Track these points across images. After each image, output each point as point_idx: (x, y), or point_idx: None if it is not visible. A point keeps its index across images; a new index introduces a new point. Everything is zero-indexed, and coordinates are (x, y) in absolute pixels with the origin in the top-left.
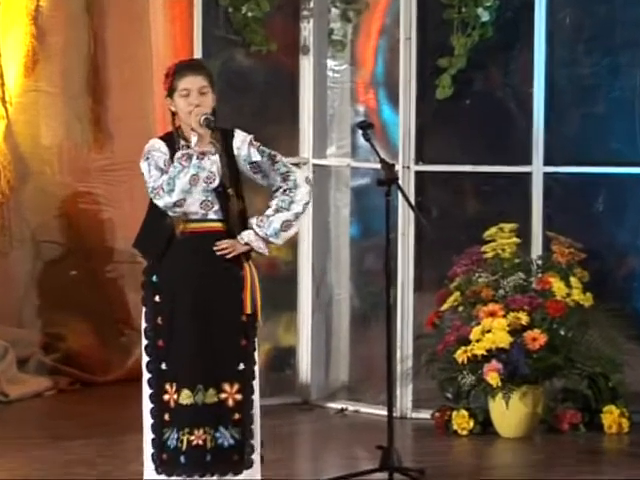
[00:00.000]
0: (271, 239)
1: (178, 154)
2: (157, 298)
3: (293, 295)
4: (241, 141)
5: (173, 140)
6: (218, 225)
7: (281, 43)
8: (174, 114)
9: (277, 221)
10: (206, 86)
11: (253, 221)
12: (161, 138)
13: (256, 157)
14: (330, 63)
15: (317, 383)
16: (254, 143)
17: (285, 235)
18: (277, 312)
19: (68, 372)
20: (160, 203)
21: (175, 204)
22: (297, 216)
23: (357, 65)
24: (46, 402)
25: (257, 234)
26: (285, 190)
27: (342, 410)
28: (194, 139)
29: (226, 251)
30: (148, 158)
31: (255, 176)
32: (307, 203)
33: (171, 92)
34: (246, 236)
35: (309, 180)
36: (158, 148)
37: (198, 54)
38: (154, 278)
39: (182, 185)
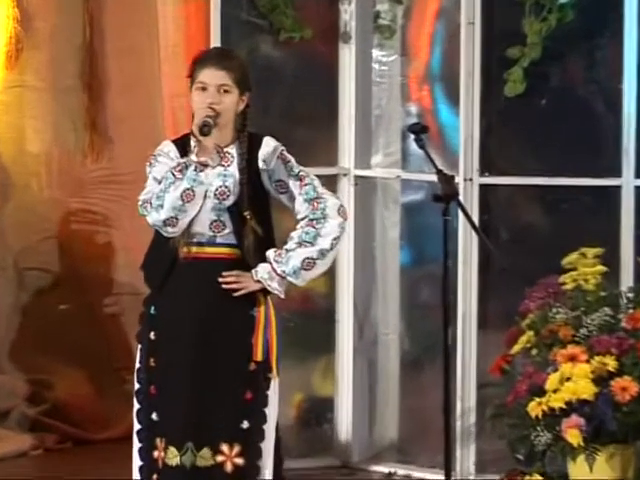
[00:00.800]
0: (289, 278)
1: (174, 163)
2: (152, 335)
3: (331, 335)
4: (268, 152)
5: (187, 144)
6: (228, 252)
7: (317, 29)
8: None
9: (298, 257)
10: (228, 85)
11: (271, 254)
12: (174, 141)
13: (283, 175)
14: (376, 53)
15: (360, 442)
16: (284, 156)
17: (306, 275)
18: (312, 355)
19: (57, 428)
20: (148, 220)
21: (165, 223)
22: (323, 254)
23: (409, 55)
24: (31, 463)
25: (274, 270)
26: (312, 220)
27: (390, 475)
28: (193, 145)
29: (234, 286)
30: (152, 164)
31: (281, 197)
32: (337, 239)
33: (191, 83)
34: (260, 272)
35: (343, 211)
36: (167, 153)
37: (215, 43)
38: (152, 310)
39: (172, 201)
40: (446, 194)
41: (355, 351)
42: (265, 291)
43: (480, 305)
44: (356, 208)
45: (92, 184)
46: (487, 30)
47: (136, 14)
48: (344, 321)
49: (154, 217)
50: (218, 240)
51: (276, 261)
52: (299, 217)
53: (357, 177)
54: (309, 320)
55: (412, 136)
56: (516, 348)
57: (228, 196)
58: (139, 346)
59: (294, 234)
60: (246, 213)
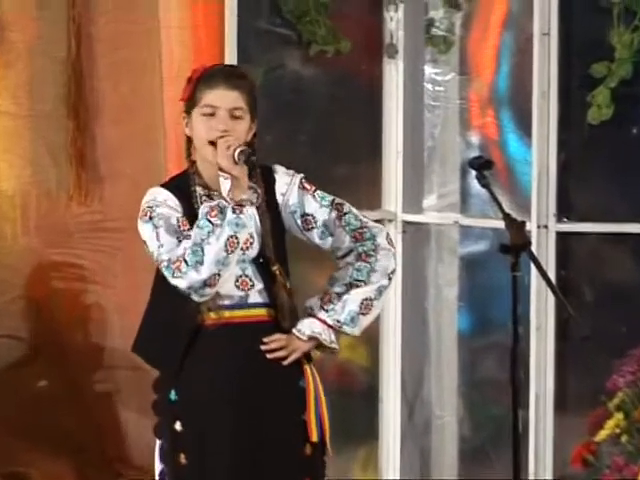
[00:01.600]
0: (345, 328)
1: (204, 207)
2: (178, 426)
3: (373, 417)
4: (286, 184)
5: (186, 187)
6: (263, 313)
7: (356, 40)
8: (190, 141)
9: (354, 300)
10: (242, 108)
11: (315, 303)
12: (166, 186)
13: (311, 206)
14: (429, 70)
15: None
16: (307, 186)
17: (364, 321)
18: (350, 442)
19: None
20: (182, 284)
21: (206, 283)
22: (381, 292)
23: (469, 73)
24: None
25: (323, 322)
26: (360, 255)
27: None
28: (225, 184)
29: (281, 353)
30: (152, 218)
31: (309, 234)
32: (393, 272)
33: (190, 106)
34: (308, 327)
35: (391, 240)
36: (164, 202)
37: (231, 58)
38: (172, 396)
39: (215, 254)
40: (515, 244)
41: (403, 437)
42: (308, 357)
43: (557, 382)
44: (404, 261)
45: (78, 232)
46: (566, 42)
47: (133, 23)
48: (389, 400)
49: (192, 278)
50: (250, 300)
51: (325, 310)
52: (340, 254)
53: (406, 223)
54: (347, 399)
55: (473, 173)
56: (602, 434)
57: (252, 244)
58: (157, 442)
59: (340, 274)
60: (275, 267)
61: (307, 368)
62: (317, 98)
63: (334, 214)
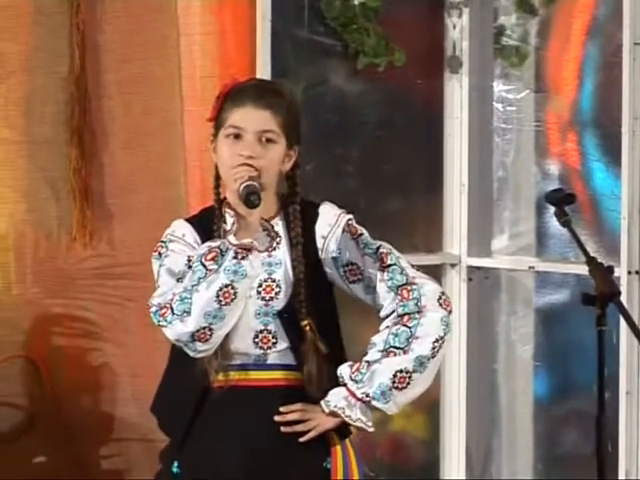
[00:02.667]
0: (376, 403)
1: (202, 248)
2: None
3: None
4: (329, 225)
5: (211, 222)
6: (284, 376)
7: (412, 51)
8: (218, 170)
9: (385, 372)
10: (274, 131)
11: (345, 371)
12: (190, 220)
13: (353, 253)
14: (499, 87)
15: None
16: (353, 227)
17: (400, 397)
18: None
19: None
20: (169, 334)
21: (194, 336)
22: (421, 363)
23: (547, 91)
24: None
25: (352, 395)
26: (402, 317)
27: None
28: (230, 221)
29: (298, 427)
30: (161, 254)
31: (353, 288)
32: (440, 341)
33: (215, 128)
34: (333, 399)
35: (445, 301)
36: (181, 237)
37: (264, 72)
38: (174, 468)
39: (204, 304)
40: (602, 293)
41: None
42: (342, 431)
43: None
44: (470, 313)
45: (83, 279)
46: None
47: (147, 31)
48: (453, 478)
49: (177, 329)
50: (270, 361)
51: (354, 380)
52: (383, 314)
53: (471, 268)
54: (403, 478)
55: (552, 209)
56: None
57: (277, 294)
58: None
59: (377, 338)
60: (305, 323)
61: (337, 444)
62: (366, 120)
63: (377, 265)
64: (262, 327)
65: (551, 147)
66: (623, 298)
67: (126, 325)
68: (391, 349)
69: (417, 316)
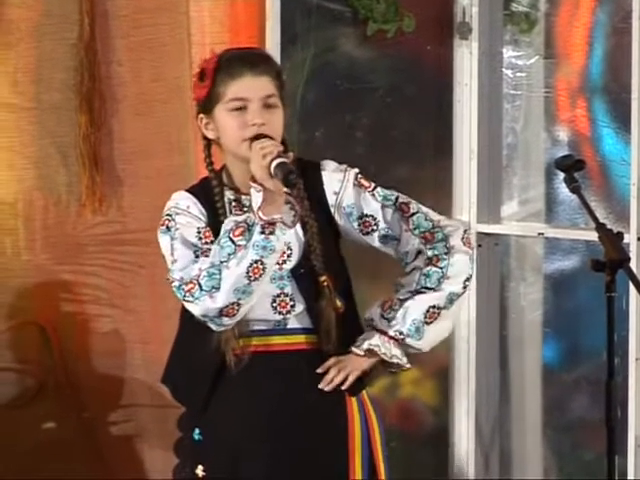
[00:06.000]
0: (410, 340)
1: (229, 223)
2: (200, 470)
3: (443, 465)
4: (339, 180)
5: (213, 193)
6: (306, 340)
7: (421, 17)
8: (209, 143)
9: (419, 307)
10: (275, 95)
11: (374, 313)
12: (191, 191)
13: (371, 206)
14: (508, 54)
15: None
16: (364, 183)
17: (433, 333)
18: None
19: None
20: (195, 310)
21: (222, 312)
22: (452, 301)
23: (556, 57)
24: None
25: (385, 333)
26: (431, 259)
27: None
28: (257, 196)
29: (339, 378)
30: (170, 228)
31: (368, 238)
32: (469, 280)
33: (207, 105)
34: (366, 340)
35: (468, 239)
36: (186, 209)
37: (273, 38)
38: (196, 435)
39: (234, 280)
40: (611, 259)
41: None
42: (358, 385)
43: None
44: (479, 280)
45: (92, 245)
46: None
47: None
48: (462, 446)
49: (206, 306)
50: (290, 325)
51: (386, 318)
52: (408, 259)
53: (481, 235)
54: (411, 444)
55: (561, 175)
56: None
57: (290, 256)
58: None
59: (406, 280)
60: (322, 279)
61: (352, 401)
62: (375, 86)
63: (398, 215)
64: (279, 291)
65: (561, 113)
66: (632, 264)
67: (136, 292)
68: (423, 289)
69: (446, 257)
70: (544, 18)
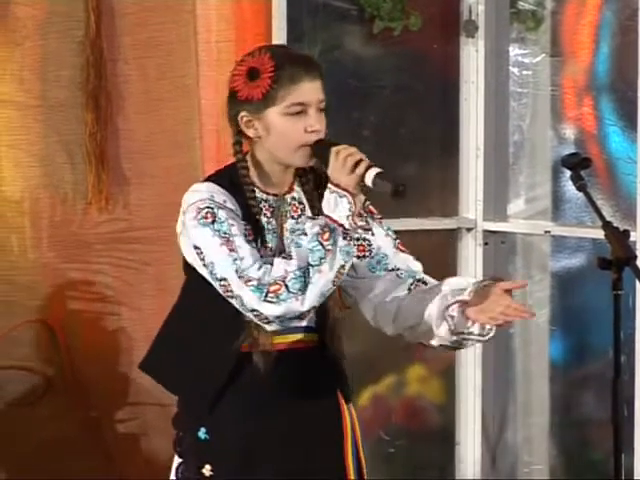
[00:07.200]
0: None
1: (313, 226)
2: (207, 470)
3: (448, 463)
4: None
5: (242, 190)
6: (306, 339)
7: (428, 16)
8: (240, 139)
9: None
10: (324, 99)
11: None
12: (219, 183)
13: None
14: (515, 52)
15: None
16: (372, 210)
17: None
18: None
19: None
20: (275, 310)
21: (300, 315)
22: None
23: (563, 55)
24: None
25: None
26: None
27: None
28: (340, 202)
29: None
30: (215, 221)
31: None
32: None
33: (259, 105)
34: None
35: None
36: (222, 203)
37: (279, 36)
38: (201, 434)
39: (324, 283)
40: (618, 257)
41: None
42: (346, 393)
43: None
44: (485, 277)
45: (99, 243)
46: None
47: None
48: (468, 444)
49: (292, 307)
50: (304, 322)
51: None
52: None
53: (487, 233)
54: (418, 443)
55: (567, 173)
56: None
57: None
58: None
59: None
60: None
61: (345, 407)
62: (381, 84)
63: (395, 249)
64: None
65: (567, 111)
66: (639, 262)
67: (142, 289)
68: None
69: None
70: (550, 16)
